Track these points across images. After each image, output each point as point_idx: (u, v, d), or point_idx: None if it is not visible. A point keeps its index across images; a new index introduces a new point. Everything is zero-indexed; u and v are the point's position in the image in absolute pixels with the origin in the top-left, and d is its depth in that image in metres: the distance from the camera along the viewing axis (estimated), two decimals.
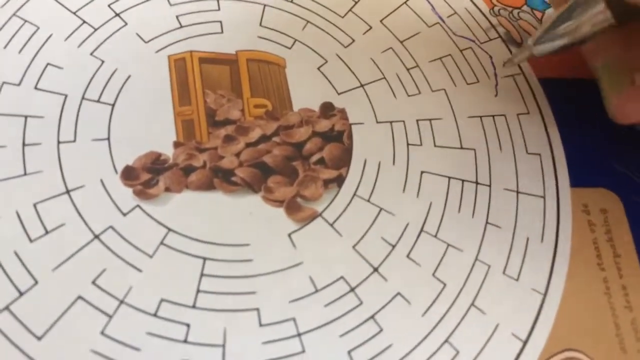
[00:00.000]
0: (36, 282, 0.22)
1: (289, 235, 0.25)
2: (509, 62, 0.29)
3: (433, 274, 0.25)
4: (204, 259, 0.24)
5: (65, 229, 0.23)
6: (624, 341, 0.25)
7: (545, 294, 0.26)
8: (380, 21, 0.31)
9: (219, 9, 0.30)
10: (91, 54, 0.27)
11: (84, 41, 0.27)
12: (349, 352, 0.23)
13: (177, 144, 0.26)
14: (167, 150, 0.26)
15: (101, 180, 0.25)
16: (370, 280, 0.25)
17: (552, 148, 0.29)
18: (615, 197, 0.29)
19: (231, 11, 0.30)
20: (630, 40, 0.26)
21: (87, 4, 0.28)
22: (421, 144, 0.28)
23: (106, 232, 0.24)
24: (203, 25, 0.29)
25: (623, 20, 0.24)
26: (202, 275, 0.24)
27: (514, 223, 0.27)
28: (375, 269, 0.25)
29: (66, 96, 0.26)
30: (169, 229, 0.24)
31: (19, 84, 0.26)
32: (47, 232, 0.23)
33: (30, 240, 0.23)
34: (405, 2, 0.32)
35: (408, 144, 0.28)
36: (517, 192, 0.28)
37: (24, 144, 0.25)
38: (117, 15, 0.28)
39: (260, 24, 0.30)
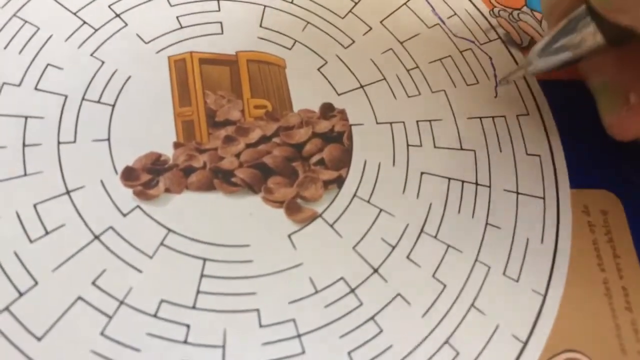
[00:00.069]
0: (36, 283, 0.22)
1: (289, 236, 0.25)
2: (504, 80, 0.29)
3: (433, 275, 0.25)
4: (204, 259, 0.24)
5: (65, 230, 0.23)
6: (624, 342, 0.25)
7: (545, 295, 0.26)
8: (380, 22, 0.31)
9: (219, 10, 0.30)
10: (91, 54, 0.27)
11: (84, 42, 0.27)
12: (349, 353, 0.23)
13: (177, 145, 0.26)
14: (167, 151, 0.26)
15: (101, 181, 0.25)
16: (371, 281, 0.25)
17: (551, 149, 0.29)
18: (615, 199, 0.29)
19: (231, 12, 0.30)
20: (624, 61, 0.26)
21: (88, 4, 0.28)
22: (421, 145, 0.28)
23: (106, 233, 0.24)
24: (203, 26, 0.29)
25: (615, 42, 0.24)
26: (202, 276, 0.24)
27: (514, 224, 0.27)
28: (375, 270, 0.25)
29: (66, 97, 0.26)
30: (169, 230, 0.24)
31: (19, 85, 0.26)
32: (47, 233, 0.23)
33: (30, 241, 0.23)
34: (405, 3, 0.32)
35: (408, 145, 0.28)
36: (517, 193, 0.28)
37: (24, 145, 0.25)
38: (118, 16, 0.28)
39: (261, 25, 0.30)
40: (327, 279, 0.24)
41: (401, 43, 0.31)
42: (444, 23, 0.32)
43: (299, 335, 0.23)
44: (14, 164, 0.24)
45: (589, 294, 0.26)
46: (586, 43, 0.25)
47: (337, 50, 0.30)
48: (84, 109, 0.26)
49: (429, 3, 0.33)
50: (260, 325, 0.23)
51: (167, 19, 0.29)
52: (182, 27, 0.29)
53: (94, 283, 0.23)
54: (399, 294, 0.25)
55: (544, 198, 0.28)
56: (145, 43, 0.28)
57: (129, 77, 0.27)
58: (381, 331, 0.24)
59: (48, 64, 0.26)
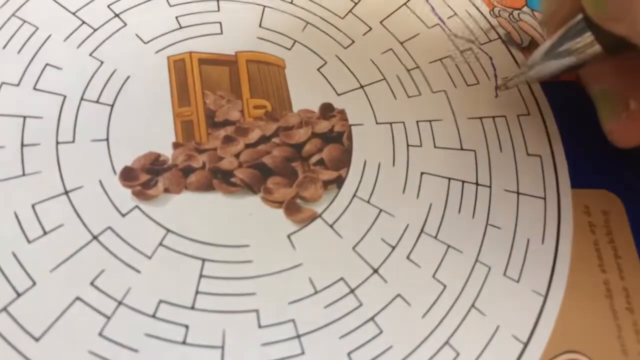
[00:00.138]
0: (34, 283, 0.22)
1: (289, 236, 0.25)
2: (502, 86, 0.29)
3: (433, 276, 0.25)
4: (203, 260, 0.24)
5: (64, 230, 0.23)
6: (625, 343, 0.25)
7: (546, 296, 0.25)
8: (380, 22, 0.31)
9: (218, 10, 0.30)
10: (90, 54, 0.27)
11: (83, 42, 0.27)
12: (349, 354, 0.23)
13: (176, 145, 0.26)
14: (166, 151, 0.26)
15: (100, 181, 0.25)
16: (370, 282, 0.25)
17: (552, 149, 0.29)
18: (617, 199, 0.28)
19: (231, 12, 0.30)
20: (623, 69, 0.26)
21: (87, 4, 0.28)
22: (421, 145, 0.28)
23: (105, 233, 0.24)
24: (203, 26, 0.29)
25: (612, 51, 0.24)
26: (201, 276, 0.23)
27: (515, 224, 0.27)
28: (375, 270, 0.25)
29: (65, 97, 0.26)
30: (168, 230, 0.24)
31: (17, 85, 0.26)
32: (45, 233, 0.23)
33: (29, 241, 0.23)
34: (405, 4, 0.32)
35: (408, 145, 0.28)
36: (518, 194, 0.28)
37: (22, 145, 0.25)
38: (117, 15, 0.28)
39: (260, 25, 0.30)
40: (326, 279, 0.24)
41: (401, 43, 0.31)
42: (444, 23, 0.32)
43: (298, 336, 0.23)
44: (13, 164, 0.24)
45: (589, 294, 0.26)
46: (584, 51, 0.25)
47: (336, 50, 0.30)
48: (83, 109, 0.26)
49: (429, 3, 0.32)
50: (260, 326, 0.23)
51: (167, 19, 0.29)
52: (181, 27, 0.29)
53: (92, 283, 0.23)
54: (399, 295, 0.24)
55: (544, 198, 0.28)
56: (145, 43, 0.28)
57: (128, 77, 0.27)
58: (381, 332, 0.24)
59: (47, 64, 0.26)
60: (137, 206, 0.24)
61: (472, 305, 0.25)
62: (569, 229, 0.27)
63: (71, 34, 0.27)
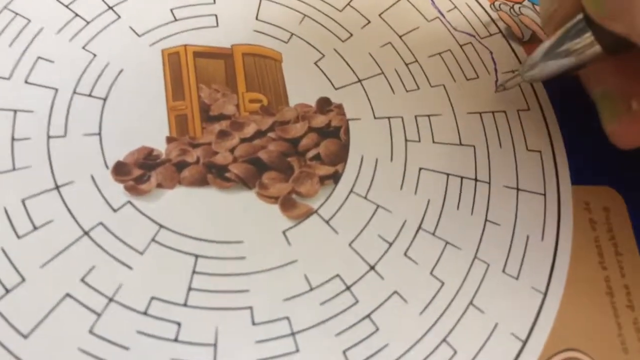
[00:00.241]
0: (23, 280, 0.22)
1: (284, 232, 0.25)
2: (501, 87, 0.29)
3: (431, 273, 0.25)
4: (196, 256, 0.23)
5: (54, 225, 0.23)
6: (625, 341, 0.25)
7: (545, 293, 0.25)
8: (379, 15, 0.31)
9: (214, 2, 0.29)
10: (83, 47, 0.27)
11: (75, 34, 0.27)
12: (344, 352, 0.23)
13: (170, 139, 0.25)
14: (160, 146, 0.25)
15: (91, 176, 0.24)
16: (367, 279, 0.24)
17: (553, 145, 0.29)
18: (618, 195, 0.28)
19: (227, 4, 0.29)
20: (624, 69, 0.25)
21: None
22: (419, 140, 0.28)
23: (96, 229, 0.23)
24: (198, 18, 0.29)
25: (612, 51, 0.24)
26: (193, 272, 0.23)
27: (514, 221, 0.26)
28: (372, 267, 0.24)
29: (57, 90, 0.25)
30: (161, 226, 0.24)
31: (8, 78, 0.25)
32: (35, 229, 0.23)
33: (18, 237, 0.23)
34: None
35: (406, 140, 0.28)
36: (517, 190, 0.27)
37: (13, 139, 0.24)
38: (110, 8, 0.28)
39: (257, 18, 0.29)
40: (322, 276, 0.24)
41: (400, 37, 0.30)
42: (443, 16, 0.32)
43: (293, 334, 0.23)
44: (2, 158, 0.24)
45: (590, 292, 0.26)
46: (584, 52, 0.24)
47: (334, 43, 0.30)
48: (75, 103, 0.25)
49: None
50: (254, 323, 0.23)
51: (161, 12, 0.28)
52: (176, 20, 0.28)
53: (82, 280, 0.22)
54: (395, 292, 0.24)
55: (544, 194, 0.27)
56: (139, 36, 0.28)
57: (121, 71, 0.26)
58: (377, 329, 0.23)
59: (39, 57, 0.26)
60: (129, 201, 0.24)
61: (470, 303, 0.24)
62: (569, 225, 0.27)
63: (64, 26, 0.27)
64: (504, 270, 0.25)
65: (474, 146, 0.28)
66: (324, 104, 0.28)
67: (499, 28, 0.32)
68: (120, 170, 0.24)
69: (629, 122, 0.25)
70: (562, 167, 0.28)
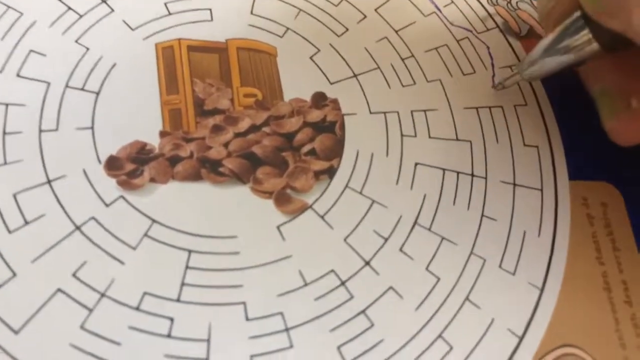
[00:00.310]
0: (14, 274, 0.22)
1: (278, 227, 0.24)
2: (499, 85, 0.29)
3: (426, 268, 0.25)
4: (190, 251, 0.23)
5: (46, 220, 0.23)
6: (623, 337, 0.25)
7: (542, 289, 0.25)
8: (375, 10, 0.31)
9: None
10: (76, 41, 0.26)
11: (68, 28, 0.27)
12: (339, 348, 0.22)
13: (163, 134, 0.25)
14: (153, 140, 0.25)
15: (84, 170, 0.24)
16: (362, 274, 0.24)
17: (550, 140, 0.29)
18: (616, 191, 0.28)
19: None
20: (623, 66, 0.25)
21: None
22: (415, 135, 0.27)
23: (88, 223, 0.23)
24: (192, 12, 0.28)
25: (610, 48, 0.24)
26: (187, 267, 0.23)
27: (511, 216, 0.26)
28: (367, 263, 0.24)
29: (49, 84, 0.25)
30: (154, 221, 0.23)
31: (0, 71, 0.25)
32: (26, 223, 0.23)
33: (9, 231, 0.22)
34: None
35: (402, 135, 0.27)
36: (514, 185, 0.27)
37: (4, 132, 0.24)
38: (104, 1, 0.28)
39: (252, 12, 0.29)
40: (316, 271, 0.24)
41: (396, 31, 0.30)
42: (440, 11, 0.31)
43: (287, 329, 0.23)
44: None
45: (587, 287, 0.25)
46: (582, 49, 0.24)
47: (330, 38, 0.29)
48: (67, 97, 0.25)
49: None
50: (247, 319, 0.22)
51: (155, 5, 0.28)
52: (170, 14, 0.28)
53: (74, 275, 0.22)
54: (391, 287, 0.24)
55: (541, 190, 0.27)
56: (132, 30, 0.27)
57: (115, 64, 0.26)
58: (372, 325, 0.23)
59: (31, 50, 0.26)
60: (121, 196, 0.24)
61: (467, 298, 0.24)
62: (566, 220, 0.27)
63: (56, 20, 0.27)
64: (500, 266, 0.25)
65: (471, 141, 0.28)
66: (319, 99, 0.27)
67: (496, 23, 0.32)
68: (112, 164, 0.24)
69: (627, 120, 0.25)
70: (559, 162, 0.28)
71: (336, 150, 0.26)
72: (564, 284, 0.25)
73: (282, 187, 0.25)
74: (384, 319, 0.23)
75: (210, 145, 0.25)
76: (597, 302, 0.25)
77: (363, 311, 0.23)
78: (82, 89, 0.25)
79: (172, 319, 0.22)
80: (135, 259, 0.23)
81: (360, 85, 0.28)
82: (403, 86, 0.29)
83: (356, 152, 0.27)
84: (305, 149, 0.26)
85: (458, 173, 0.27)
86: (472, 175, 0.27)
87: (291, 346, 0.22)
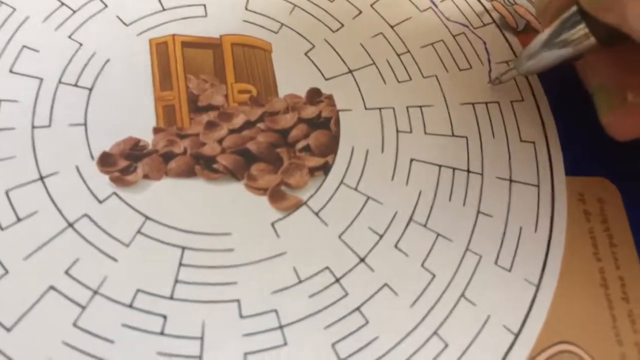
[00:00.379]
0: (6, 272, 0.22)
1: (273, 224, 0.24)
2: (496, 80, 0.29)
3: (422, 265, 0.24)
4: (183, 248, 0.23)
5: (38, 217, 0.23)
6: (620, 333, 0.24)
7: (538, 285, 0.25)
8: (371, 5, 0.30)
9: None
10: (69, 36, 0.26)
11: (62, 23, 0.27)
12: (333, 345, 0.22)
13: (157, 130, 0.25)
14: (147, 136, 0.25)
15: (77, 167, 0.24)
16: (357, 271, 0.24)
17: (546, 136, 0.29)
18: (613, 187, 0.28)
19: None
20: (620, 61, 0.25)
21: None
22: (411, 131, 0.27)
23: (81, 220, 0.23)
24: (186, 8, 0.28)
25: (606, 43, 0.24)
26: (180, 265, 0.23)
27: (507, 212, 0.26)
28: (362, 259, 0.24)
29: (42, 80, 0.25)
30: (147, 217, 0.23)
31: None
32: (19, 220, 0.22)
33: (2, 228, 0.22)
34: None
35: (397, 131, 0.27)
36: (510, 181, 0.27)
37: None
38: None
39: (246, 8, 0.29)
40: (311, 268, 0.24)
41: (392, 27, 0.30)
42: (436, 6, 0.31)
43: (281, 327, 0.22)
44: None
45: (584, 284, 0.25)
46: (580, 43, 0.24)
47: (325, 34, 0.29)
48: (60, 93, 0.25)
49: None
50: (241, 316, 0.22)
51: (149, 1, 0.28)
52: (164, 10, 0.28)
53: (67, 272, 0.22)
54: (386, 284, 0.24)
55: (538, 185, 0.27)
56: (126, 25, 0.27)
57: (108, 60, 0.26)
58: (367, 322, 0.23)
59: (24, 46, 0.26)
60: (115, 193, 0.24)
61: (462, 295, 0.24)
62: (563, 216, 0.27)
63: (49, 15, 0.27)
64: (496, 262, 0.25)
65: (467, 137, 0.28)
66: (314, 95, 0.27)
67: (492, 18, 0.32)
68: (106, 161, 0.24)
69: (624, 114, 0.25)
70: (556, 158, 0.28)
71: (331, 146, 0.26)
72: (560, 280, 0.25)
73: (276, 184, 0.25)
74: (379, 316, 0.23)
75: (204, 141, 0.25)
76: (594, 299, 0.25)
77: (358, 308, 0.23)
78: (75, 85, 0.25)
79: (165, 317, 0.22)
80: (129, 256, 0.23)
81: (356, 81, 0.28)
82: (399, 82, 0.28)
83: (351, 148, 0.26)
84: (300, 145, 0.26)
85: (454, 169, 0.27)
86: (468, 171, 0.27)
87: (285, 343, 0.22)
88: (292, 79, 0.28)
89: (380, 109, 0.28)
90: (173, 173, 0.24)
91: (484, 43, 0.31)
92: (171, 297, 0.22)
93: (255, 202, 0.25)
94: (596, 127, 0.26)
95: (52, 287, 0.22)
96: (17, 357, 0.20)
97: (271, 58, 0.28)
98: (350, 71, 0.28)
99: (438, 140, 0.27)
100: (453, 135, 0.28)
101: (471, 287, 0.24)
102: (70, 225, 0.23)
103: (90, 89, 0.25)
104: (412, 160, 0.27)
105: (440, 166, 0.27)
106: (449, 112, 0.28)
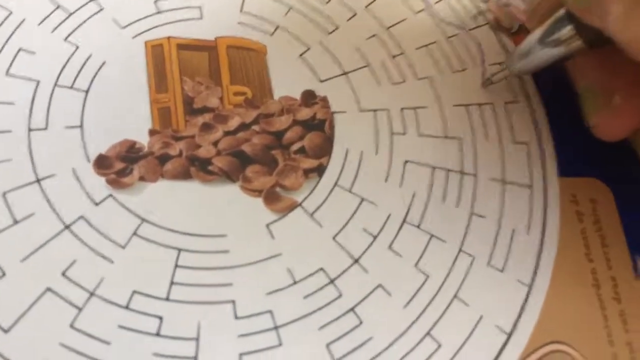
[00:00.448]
0: (4, 274, 0.22)
1: (267, 225, 0.24)
2: (487, 82, 0.29)
3: (415, 265, 0.25)
4: (179, 250, 0.23)
5: (35, 219, 0.23)
6: (612, 333, 0.25)
7: (530, 286, 0.25)
8: (365, 7, 0.31)
9: None
10: (65, 39, 0.27)
11: (58, 26, 0.27)
12: (328, 345, 0.23)
13: (152, 132, 0.25)
14: (143, 139, 0.25)
15: (73, 169, 0.24)
16: (351, 272, 0.24)
17: (540, 137, 0.29)
18: (605, 187, 0.28)
19: None
20: (607, 63, 0.25)
21: None
22: (405, 133, 0.27)
23: (77, 222, 0.23)
24: (182, 10, 0.28)
25: (593, 45, 0.24)
26: (176, 266, 0.23)
27: (500, 213, 0.26)
28: (356, 260, 0.24)
29: (38, 82, 0.25)
30: (143, 219, 0.24)
31: None
32: (16, 222, 0.23)
33: None
34: None
35: (392, 133, 0.27)
36: (504, 182, 0.27)
37: None
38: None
39: (241, 10, 0.29)
40: (306, 269, 0.24)
41: (387, 29, 0.30)
42: (431, 8, 0.31)
43: (276, 327, 0.23)
44: None
45: (576, 284, 0.25)
46: (566, 45, 0.24)
47: (320, 36, 0.29)
48: (57, 95, 0.25)
49: None
50: (236, 317, 0.23)
51: (145, 3, 0.28)
52: (160, 12, 0.28)
53: (63, 274, 0.22)
54: (379, 285, 0.24)
55: (531, 186, 0.27)
56: (122, 28, 0.27)
57: (104, 63, 0.26)
58: (361, 322, 0.23)
59: (20, 49, 0.26)
60: (111, 195, 0.24)
61: (455, 296, 0.24)
62: (555, 217, 0.27)
63: (46, 18, 0.27)
64: (489, 263, 0.25)
65: (460, 139, 0.28)
66: (309, 97, 0.28)
67: (486, 19, 0.32)
68: (102, 163, 0.24)
69: (609, 116, 0.25)
70: (549, 159, 0.28)
71: (325, 148, 0.26)
72: (552, 280, 0.25)
73: (271, 186, 0.25)
74: (373, 316, 0.23)
75: (200, 143, 0.25)
76: (586, 299, 0.25)
77: (352, 309, 0.23)
78: (72, 88, 0.25)
79: (161, 318, 0.22)
80: (125, 257, 0.23)
81: (350, 83, 0.28)
82: (393, 84, 0.29)
83: (345, 150, 0.27)
84: (295, 147, 0.26)
85: (447, 170, 0.27)
86: (462, 172, 0.27)
87: (280, 344, 0.22)
88: (286, 81, 0.28)
89: (374, 110, 0.28)
90: (169, 175, 0.25)
91: (479, 44, 0.31)
92: (167, 299, 0.22)
93: (251, 204, 0.25)
94: (589, 129, 0.26)
95: (49, 289, 0.22)
96: (14, 358, 0.21)
97: (266, 60, 0.28)
98: (345, 73, 0.28)
99: (432, 141, 0.27)
100: (447, 136, 0.28)
101: (464, 287, 0.24)
102: (67, 227, 0.23)
103: (86, 92, 0.25)
104: (406, 161, 0.27)
105: (433, 167, 0.27)
106: (442, 114, 0.28)
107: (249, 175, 0.25)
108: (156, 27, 0.28)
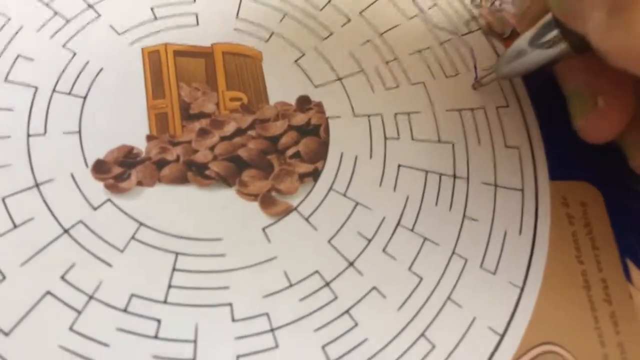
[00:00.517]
0: (4, 278, 0.22)
1: (263, 229, 0.25)
2: (477, 84, 0.29)
3: (409, 268, 0.25)
4: (176, 253, 0.24)
5: (34, 223, 0.23)
6: (602, 334, 0.25)
7: (522, 288, 0.25)
8: (360, 13, 0.31)
9: (194, 1, 0.29)
10: (63, 45, 0.27)
11: (56, 32, 0.27)
12: (323, 347, 0.23)
13: (150, 138, 0.26)
14: (140, 144, 0.25)
15: (71, 174, 0.24)
16: (346, 275, 0.24)
17: (531, 141, 0.29)
18: (595, 190, 0.28)
19: (207, 3, 0.29)
20: (593, 67, 0.26)
21: None
22: (399, 138, 0.28)
23: (76, 227, 0.23)
24: (178, 17, 0.29)
25: (580, 50, 0.24)
26: (174, 270, 0.23)
27: (492, 216, 0.27)
28: (351, 264, 0.25)
29: (37, 88, 0.26)
30: (141, 224, 0.24)
31: None
32: (15, 227, 0.23)
33: None
34: None
35: (385, 138, 0.28)
36: (495, 186, 0.27)
37: None
38: (91, 6, 0.28)
39: (237, 17, 0.29)
40: (301, 272, 0.24)
41: (380, 34, 0.31)
42: (424, 14, 0.32)
43: (272, 330, 0.23)
44: None
45: (567, 286, 0.26)
46: (553, 49, 0.25)
47: (314, 42, 0.30)
48: (55, 101, 0.26)
49: None
50: (233, 320, 0.23)
51: (141, 10, 0.28)
52: (156, 19, 0.28)
53: (63, 277, 0.22)
54: (374, 288, 0.24)
55: (522, 190, 0.28)
56: (119, 34, 0.28)
57: (102, 69, 0.27)
58: (356, 325, 0.23)
59: (19, 55, 0.26)
60: (109, 199, 0.24)
61: (448, 298, 0.25)
62: (546, 220, 0.27)
63: (44, 24, 0.27)
64: (481, 266, 0.25)
65: (453, 143, 0.28)
66: (304, 102, 0.28)
67: (479, 25, 0.32)
68: (100, 168, 0.25)
69: (595, 119, 0.26)
70: (540, 162, 0.29)
71: (320, 153, 0.27)
72: (544, 282, 0.26)
73: (267, 190, 0.25)
74: (368, 318, 0.24)
75: (197, 148, 0.26)
76: (577, 301, 0.26)
77: (347, 311, 0.24)
78: (70, 94, 0.26)
79: (159, 321, 0.22)
80: (123, 261, 0.23)
81: (345, 89, 0.29)
82: (386, 89, 0.29)
83: (340, 154, 0.27)
84: (290, 152, 0.27)
85: (440, 175, 0.27)
86: (454, 176, 0.27)
87: (277, 346, 0.23)
88: (282, 87, 0.28)
89: (368, 115, 0.28)
90: (166, 180, 0.25)
91: (471, 50, 0.31)
92: (165, 302, 0.23)
93: (247, 208, 0.25)
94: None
95: (48, 292, 0.22)
96: None
97: (262, 66, 0.28)
98: (339, 79, 0.29)
99: (425, 146, 0.28)
100: (440, 141, 0.28)
101: (457, 289, 0.25)
102: (66, 231, 0.23)
103: (84, 98, 0.26)
104: (399, 166, 0.27)
105: (427, 172, 0.27)
106: (435, 119, 0.29)
107: (245, 180, 0.25)
108: (153, 33, 0.28)
